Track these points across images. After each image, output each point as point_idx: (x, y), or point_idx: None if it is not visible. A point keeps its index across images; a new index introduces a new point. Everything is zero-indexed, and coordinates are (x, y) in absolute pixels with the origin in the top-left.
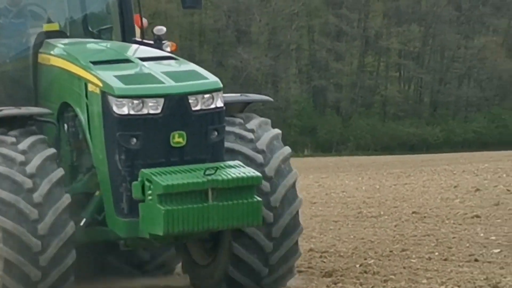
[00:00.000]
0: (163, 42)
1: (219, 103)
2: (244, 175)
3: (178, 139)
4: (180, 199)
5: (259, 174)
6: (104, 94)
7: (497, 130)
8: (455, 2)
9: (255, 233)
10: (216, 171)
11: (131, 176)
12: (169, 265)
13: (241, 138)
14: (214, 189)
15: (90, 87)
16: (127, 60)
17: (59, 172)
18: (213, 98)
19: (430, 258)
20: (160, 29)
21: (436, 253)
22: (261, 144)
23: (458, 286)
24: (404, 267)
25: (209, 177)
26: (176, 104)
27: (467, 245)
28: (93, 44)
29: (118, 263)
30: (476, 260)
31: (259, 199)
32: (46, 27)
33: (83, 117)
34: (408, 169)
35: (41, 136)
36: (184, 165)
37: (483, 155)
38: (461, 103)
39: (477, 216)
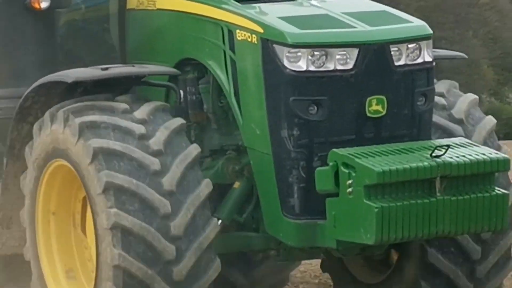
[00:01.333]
0: None
1: (428, 57)
2: (484, 157)
3: (376, 106)
4: (396, 192)
5: (506, 156)
6: (266, 44)
7: None
8: None
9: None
10: (446, 151)
11: (307, 160)
12: (283, 272)
13: None
14: (444, 177)
15: (240, 35)
16: None
17: (195, 148)
18: (420, 49)
19: None
20: None
21: None
22: (458, 112)
23: None
24: None
25: (439, 160)
26: (374, 57)
27: None
28: None
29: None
30: None
31: (506, 191)
32: None
33: (223, 77)
34: None
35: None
36: (385, 143)
37: None
38: None
39: None
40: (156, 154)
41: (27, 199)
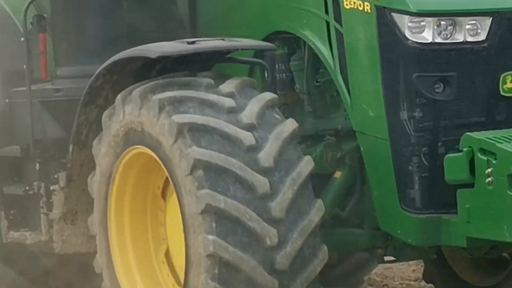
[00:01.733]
0: None
1: None
2: None
3: (511, 84)
4: None
5: None
6: (383, 12)
7: None
8: None
9: None
10: None
11: (430, 145)
12: (358, 274)
13: None
14: None
15: (348, 3)
16: None
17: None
18: None
19: None
20: None
21: None
22: None
23: None
24: None
25: None
26: (509, 27)
27: None
28: None
29: None
30: None
31: None
32: None
33: (326, 52)
34: None
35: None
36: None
37: None
38: None
39: None
40: (265, 171)
41: (99, 169)
